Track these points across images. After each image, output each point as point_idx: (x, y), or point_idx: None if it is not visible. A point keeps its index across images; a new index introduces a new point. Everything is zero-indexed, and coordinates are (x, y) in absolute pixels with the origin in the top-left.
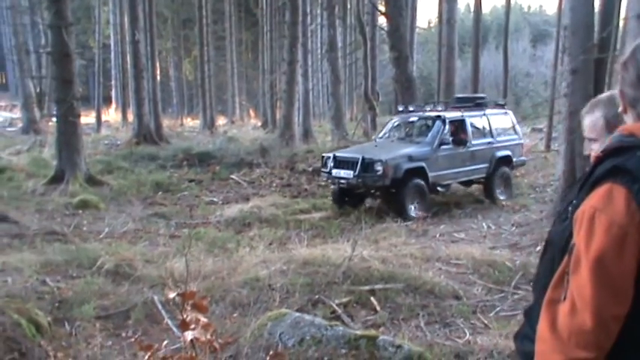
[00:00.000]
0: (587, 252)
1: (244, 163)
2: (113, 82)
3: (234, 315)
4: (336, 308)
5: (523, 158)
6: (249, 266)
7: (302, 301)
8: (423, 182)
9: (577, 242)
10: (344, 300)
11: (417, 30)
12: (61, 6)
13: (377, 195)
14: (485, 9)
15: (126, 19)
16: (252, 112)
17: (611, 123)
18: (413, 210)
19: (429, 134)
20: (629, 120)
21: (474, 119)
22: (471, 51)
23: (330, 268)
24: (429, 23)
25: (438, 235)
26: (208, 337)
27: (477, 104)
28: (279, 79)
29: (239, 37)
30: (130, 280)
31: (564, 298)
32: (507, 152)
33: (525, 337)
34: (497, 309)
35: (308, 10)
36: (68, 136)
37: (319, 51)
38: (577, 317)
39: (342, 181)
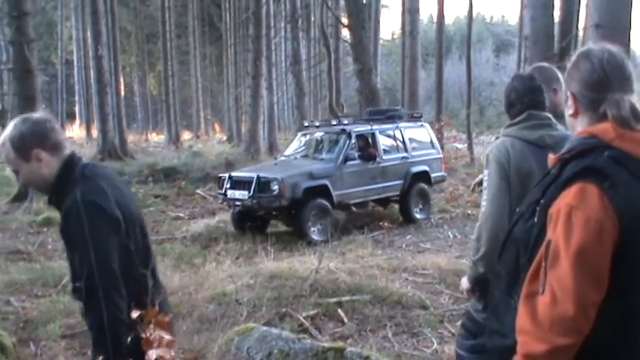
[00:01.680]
0: (568, 246)
1: (210, 178)
2: (77, 98)
3: (202, 331)
4: (304, 321)
5: (443, 174)
6: (216, 281)
7: (269, 315)
8: (326, 202)
9: (554, 238)
10: (311, 313)
11: (380, 42)
12: (23, 22)
13: (278, 217)
14: (448, 20)
15: (89, 35)
16: (217, 127)
17: None
18: (315, 232)
19: (333, 150)
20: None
21: (385, 133)
22: (435, 61)
23: (297, 281)
24: (393, 35)
25: (404, 246)
26: (172, 354)
27: (389, 117)
28: (244, 93)
29: (203, 52)
30: None
31: (543, 291)
32: (424, 167)
33: (494, 332)
34: None
35: (272, 23)
36: None
37: (283, 64)
38: (559, 307)
39: (238, 202)
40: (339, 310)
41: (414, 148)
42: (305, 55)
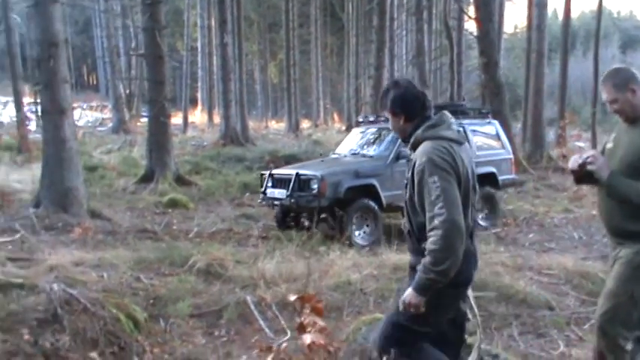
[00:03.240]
0: None
1: None
2: (199, 84)
3: (329, 318)
4: None
5: (513, 176)
6: (340, 270)
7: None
8: (373, 203)
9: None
10: None
11: (504, 36)
12: (156, 9)
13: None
14: (573, 14)
15: (213, 22)
16: (336, 116)
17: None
18: (360, 237)
19: (384, 146)
20: None
21: None
22: (559, 57)
23: None
24: (515, 28)
25: (527, 244)
26: (323, 340)
27: (452, 112)
28: (365, 84)
29: (324, 41)
30: (222, 280)
31: None
32: (491, 169)
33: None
34: (592, 321)
35: (395, 15)
36: (159, 136)
37: (404, 56)
38: None
39: (276, 202)
40: None
41: (479, 148)
42: (426, 48)
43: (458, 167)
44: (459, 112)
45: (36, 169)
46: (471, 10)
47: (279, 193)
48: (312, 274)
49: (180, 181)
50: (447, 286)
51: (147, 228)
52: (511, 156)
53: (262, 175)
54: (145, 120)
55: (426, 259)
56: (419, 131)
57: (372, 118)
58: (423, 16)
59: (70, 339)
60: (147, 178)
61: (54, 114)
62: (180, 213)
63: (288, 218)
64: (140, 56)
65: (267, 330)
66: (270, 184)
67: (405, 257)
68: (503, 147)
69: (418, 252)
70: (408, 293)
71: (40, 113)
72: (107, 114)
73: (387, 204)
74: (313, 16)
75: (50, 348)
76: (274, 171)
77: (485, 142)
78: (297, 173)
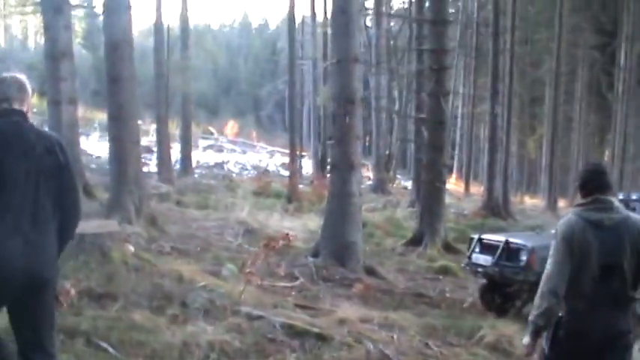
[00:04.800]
0: None
1: None
2: (456, 152)
3: None
4: None
5: None
6: None
7: None
8: None
9: None
10: None
11: None
12: (442, 75)
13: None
14: None
15: (472, 91)
16: None
17: None
18: None
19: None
20: None
21: None
22: None
23: None
24: None
25: None
26: None
27: None
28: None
29: (587, 120)
30: (516, 358)
31: None
32: None
33: None
34: None
35: None
36: (432, 201)
37: None
38: None
39: (480, 269)
40: None
41: None
42: None
43: None
44: None
45: (307, 219)
46: None
47: (485, 259)
48: None
49: (447, 247)
50: None
51: (422, 292)
52: None
53: (471, 238)
54: (400, 182)
55: None
56: None
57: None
58: None
59: None
60: (415, 241)
61: (343, 168)
62: (451, 281)
63: (496, 295)
64: (421, 120)
65: None
66: (477, 249)
67: None
68: None
69: None
70: None
71: (329, 167)
72: (367, 172)
73: None
74: (579, 93)
75: None
76: (484, 235)
77: None
78: (506, 240)
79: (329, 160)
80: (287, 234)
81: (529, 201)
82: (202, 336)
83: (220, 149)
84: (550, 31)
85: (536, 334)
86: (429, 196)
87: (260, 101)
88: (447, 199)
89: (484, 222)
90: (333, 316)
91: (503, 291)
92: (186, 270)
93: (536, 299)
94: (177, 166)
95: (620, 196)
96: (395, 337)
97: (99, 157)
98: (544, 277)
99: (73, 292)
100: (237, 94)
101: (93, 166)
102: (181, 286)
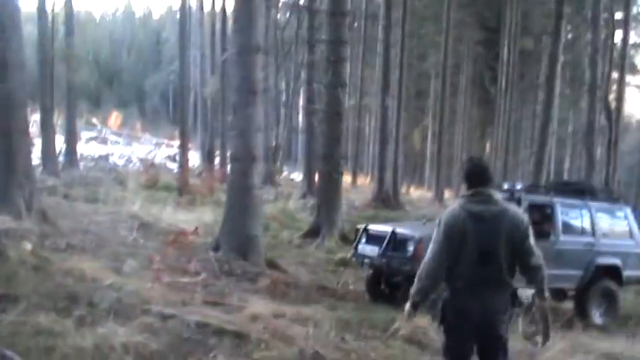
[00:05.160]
0: None
1: None
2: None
3: None
4: None
5: None
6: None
7: None
8: None
9: None
10: None
11: None
12: (339, 67)
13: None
14: None
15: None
16: None
17: None
18: None
19: None
20: None
21: (568, 209)
22: None
23: None
24: None
25: None
26: None
27: (577, 190)
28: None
29: (470, 113)
30: (432, 350)
31: None
32: (614, 261)
33: None
34: None
35: (557, 91)
36: (329, 193)
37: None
38: None
39: (366, 260)
40: None
41: (604, 235)
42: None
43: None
44: (586, 192)
45: (200, 212)
46: None
47: (371, 250)
48: None
49: (345, 239)
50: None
51: (326, 285)
52: None
53: (357, 229)
54: (285, 174)
55: None
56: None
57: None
58: (596, 95)
59: None
60: (312, 233)
61: (244, 161)
62: (352, 273)
63: (382, 285)
64: (315, 112)
65: None
66: (363, 239)
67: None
68: (632, 239)
69: None
70: None
71: (229, 160)
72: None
73: None
74: (462, 86)
75: None
76: (370, 226)
77: (612, 229)
78: (393, 231)
79: (217, 152)
80: (196, 228)
81: (415, 192)
82: (115, 338)
83: (104, 141)
84: (436, 25)
85: (414, 307)
86: (326, 188)
87: (144, 92)
88: None
89: (377, 213)
90: (245, 312)
91: (389, 281)
92: (87, 267)
93: (416, 279)
94: (61, 159)
95: (506, 186)
96: (310, 331)
97: None
98: (424, 260)
99: None
100: (121, 85)
101: None
102: (85, 285)
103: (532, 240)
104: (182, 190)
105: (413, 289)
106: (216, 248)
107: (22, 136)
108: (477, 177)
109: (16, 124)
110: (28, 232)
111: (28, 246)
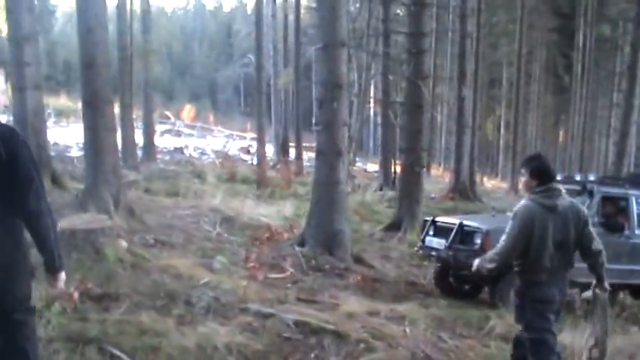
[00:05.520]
0: None
1: None
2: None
3: None
4: None
5: None
6: None
7: None
8: None
9: None
10: None
11: None
12: (421, 59)
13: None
14: None
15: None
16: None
17: None
18: None
19: None
20: None
21: None
22: None
23: None
24: None
25: None
26: None
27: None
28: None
29: (543, 101)
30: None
31: None
32: None
33: None
34: None
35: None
36: (411, 186)
37: None
38: None
39: (433, 252)
40: None
41: None
42: None
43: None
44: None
45: (281, 205)
46: None
47: (438, 243)
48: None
49: None
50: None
51: (414, 281)
52: None
53: (425, 221)
54: (358, 165)
55: None
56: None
57: (559, 177)
58: None
59: None
60: (394, 227)
61: (330, 155)
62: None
63: (451, 278)
64: (401, 104)
65: None
66: (431, 232)
67: None
68: None
69: None
70: None
71: (315, 154)
72: None
73: None
74: (536, 74)
75: None
76: (438, 218)
77: None
78: (460, 223)
79: (291, 144)
80: (291, 226)
81: (488, 182)
82: (216, 337)
83: (178, 134)
84: (508, 13)
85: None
86: (408, 181)
87: (216, 85)
88: None
89: (455, 205)
90: (339, 309)
91: (457, 274)
92: (180, 265)
93: (490, 259)
94: (139, 152)
95: (578, 178)
96: (407, 330)
97: (56, 143)
98: (499, 247)
99: (76, 295)
100: (193, 78)
101: (52, 153)
102: (182, 282)
103: (592, 227)
104: (260, 183)
105: (487, 267)
106: (301, 243)
107: (109, 132)
108: (548, 174)
109: (103, 121)
110: (120, 230)
111: (124, 244)
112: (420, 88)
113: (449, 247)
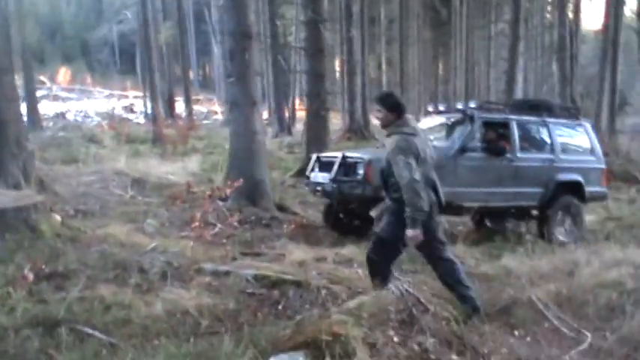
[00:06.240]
0: None
1: None
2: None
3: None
4: None
5: (603, 189)
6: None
7: None
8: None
9: None
10: None
11: None
12: (318, 2)
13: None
14: None
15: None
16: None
17: None
18: None
19: (449, 137)
20: None
21: (525, 126)
22: None
23: None
24: None
25: None
26: None
27: (533, 106)
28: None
29: (422, 36)
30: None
31: None
32: (575, 177)
33: None
34: None
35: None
36: (318, 130)
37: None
38: None
39: (318, 187)
40: None
41: (564, 151)
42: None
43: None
44: (542, 107)
45: (185, 162)
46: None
47: (323, 177)
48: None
49: None
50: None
51: None
52: (602, 166)
53: (309, 157)
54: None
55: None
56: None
57: (442, 108)
58: (566, 9)
59: (435, 341)
60: (303, 172)
61: (245, 106)
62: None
63: (339, 213)
64: (301, 49)
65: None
66: (316, 168)
67: None
68: (593, 154)
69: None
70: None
71: (229, 105)
72: (216, 107)
73: (447, 202)
74: (414, 10)
75: (418, 350)
76: (322, 154)
77: (573, 146)
78: (343, 155)
79: (176, 99)
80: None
81: (374, 121)
82: (182, 302)
83: (56, 98)
84: None
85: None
86: (315, 126)
87: (89, 45)
88: (300, 126)
89: (355, 145)
90: (287, 259)
91: (346, 209)
92: (118, 232)
93: (414, 199)
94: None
95: (459, 106)
96: (360, 272)
97: None
98: (409, 186)
99: (30, 276)
100: (64, 39)
101: None
102: (128, 250)
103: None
104: (157, 140)
105: (419, 204)
106: (223, 198)
107: (10, 103)
108: (404, 107)
109: (2, 91)
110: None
111: (58, 218)
112: (320, 31)
113: (333, 180)
